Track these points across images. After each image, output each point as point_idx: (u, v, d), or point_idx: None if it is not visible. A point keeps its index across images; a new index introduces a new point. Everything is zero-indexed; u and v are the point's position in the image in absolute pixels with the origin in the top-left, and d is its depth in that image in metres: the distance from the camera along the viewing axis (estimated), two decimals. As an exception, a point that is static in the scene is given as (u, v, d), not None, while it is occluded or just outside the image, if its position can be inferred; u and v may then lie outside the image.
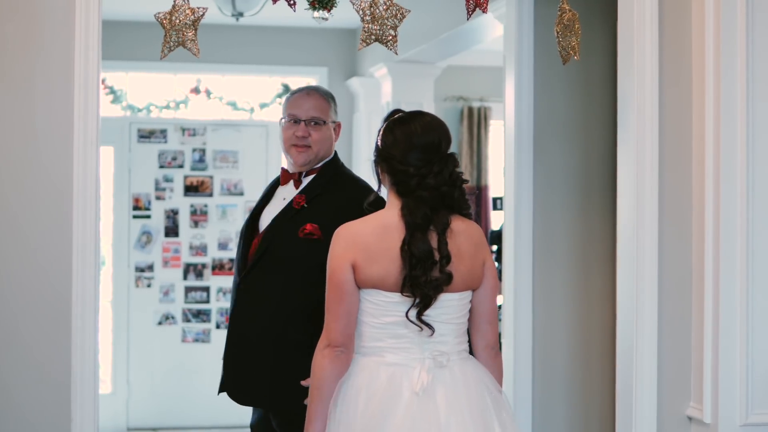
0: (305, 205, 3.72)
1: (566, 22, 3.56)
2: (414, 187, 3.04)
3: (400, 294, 3.01)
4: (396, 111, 3.22)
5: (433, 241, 3.02)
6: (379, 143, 3.14)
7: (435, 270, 3.00)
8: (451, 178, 3.07)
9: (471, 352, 3.19)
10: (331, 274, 3.04)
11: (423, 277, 2.98)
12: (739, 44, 3.43)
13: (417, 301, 3.00)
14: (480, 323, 3.16)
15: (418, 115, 3.16)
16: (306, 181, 3.85)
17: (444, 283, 3.02)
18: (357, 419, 2.98)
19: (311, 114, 3.80)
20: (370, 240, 3.03)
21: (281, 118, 3.89)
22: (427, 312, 3.02)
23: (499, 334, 5.68)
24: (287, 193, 3.85)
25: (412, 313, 3.02)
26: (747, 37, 3.43)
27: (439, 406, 2.98)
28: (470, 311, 3.16)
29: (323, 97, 3.86)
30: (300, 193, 3.80)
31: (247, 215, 8.45)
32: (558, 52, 3.64)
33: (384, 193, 3.21)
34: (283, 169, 3.92)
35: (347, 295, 3.02)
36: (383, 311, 3.04)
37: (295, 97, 3.86)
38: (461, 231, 3.08)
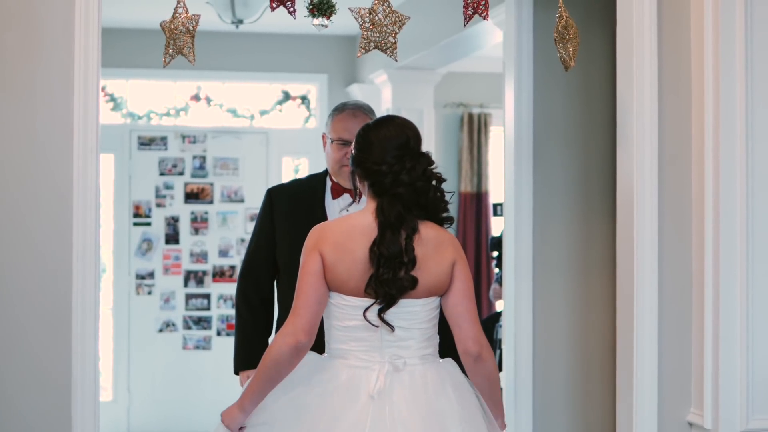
0: None
1: (561, 29, 3.57)
2: (389, 186, 3.11)
3: (360, 297, 3.07)
4: (366, 124, 3.29)
5: (402, 242, 3.07)
6: (353, 152, 3.22)
7: (401, 271, 3.05)
8: (425, 175, 3.13)
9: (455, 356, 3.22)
10: (303, 264, 3.10)
11: (387, 275, 3.03)
12: (738, 49, 3.43)
13: (379, 300, 3.05)
14: (453, 328, 3.16)
15: (387, 119, 3.26)
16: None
17: (409, 286, 3.06)
18: (310, 415, 3.02)
19: None
20: (338, 238, 3.09)
21: (327, 138, 3.94)
22: (388, 316, 3.06)
23: (500, 341, 5.69)
24: (346, 205, 3.89)
25: (372, 313, 3.06)
26: (746, 43, 3.43)
27: (395, 408, 3.02)
28: (445, 317, 3.18)
29: (368, 115, 3.93)
30: None
31: (248, 222, 8.44)
32: (558, 58, 3.64)
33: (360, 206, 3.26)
34: (334, 183, 3.95)
35: (318, 284, 3.07)
36: (345, 314, 3.10)
37: (341, 118, 3.93)
38: (431, 238, 3.12)
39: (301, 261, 3.12)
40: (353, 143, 3.24)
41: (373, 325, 3.07)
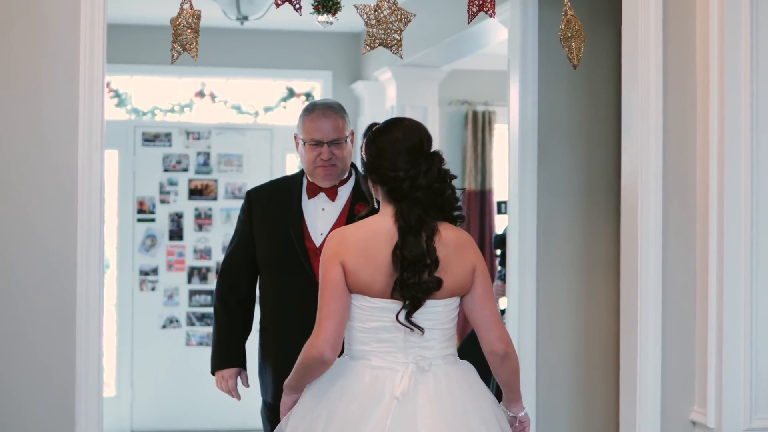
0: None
1: (563, 26, 3.56)
2: (407, 190, 3.09)
3: (385, 300, 3.07)
4: (373, 125, 3.27)
5: (423, 244, 3.06)
6: (364, 157, 3.20)
7: (425, 273, 3.05)
8: (440, 175, 3.12)
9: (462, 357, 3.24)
10: (324, 273, 3.09)
11: (413, 279, 3.03)
12: (744, 50, 3.43)
13: (406, 303, 3.05)
14: (479, 330, 3.19)
15: (396, 122, 3.22)
16: (344, 190, 3.94)
17: (434, 287, 3.06)
18: (336, 419, 3.04)
19: (332, 136, 3.89)
20: (359, 245, 3.08)
21: (299, 139, 3.95)
22: (413, 316, 3.06)
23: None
24: (324, 204, 3.94)
25: (402, 316, 3.06)
26: (751, 42, 3.43)
27: (419, 409, 3.02)
28: (469, 319, 3.19)
29: (338, 114, 3.93)
30: (355, 201, 3.91)
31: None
32: (564, 56, 3.64)
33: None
34: (310, 182, 3.96)
35: (340, 293, 3.07)
36: (369, 316, 3.09)
37: (312, 118, 3.92)
38: (451, 239, 3.12)
39: (321, 270, 3.11)
40: (362, 148, 3.22)
41: (407, 327, 3.07)
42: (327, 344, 3.04)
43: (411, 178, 3.09)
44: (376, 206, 3.23)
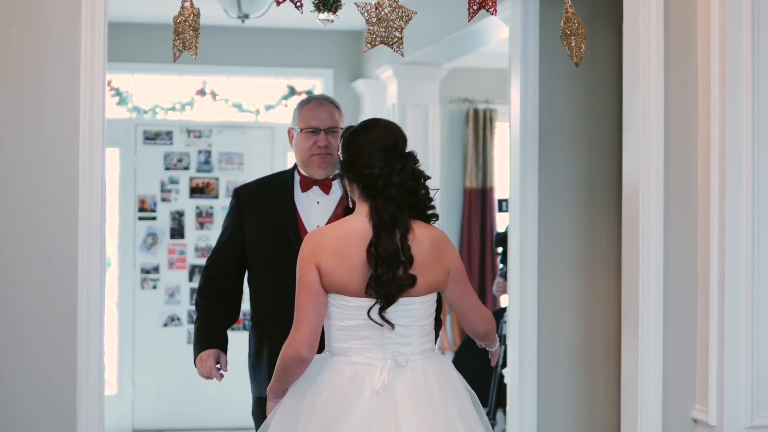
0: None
1: (563, 24, 3.56)
2: (381, 188, 3.16)
3: (362, 298, 3.13)
4: (350, 127, 3.33)
5: (397, 242, 3.13)
6: (341, 157, 3.26)
7: (399, 270, 3.11)
8: (414, 174, 3.20)
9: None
10: (300, 275, 3.16)
11: (387, 275, 3.10)
12: (745, 48, 3.43)
13: (379, 300, 3.12)
14: (461, 318, 3.34)
15: (373, 123, 3.30)
16: (338, 183, 3.92)
17: (408, 284, 3.13)
18: (317, 413, 3.10)
19: (329, 123, 3.93)
20: (335, 246, 3.14)
21: (296, 129, 3.97)
22: (389, 314, 3.13)
23: (505, 336, 5.70)
24: (318, 197, 3.95)
25: (374, 312, 3.12)
26: (752, 41, 3.43)
27: (399, 404, 3.10)
28: (451, 310, 3.33)
29: (333, 104, 4.00)
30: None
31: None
32: (565, 55, 3.64)
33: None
34: (303, 176, 3.97)
35: (316, 295, 3.14)
36: (346, 315, 3.16)
37: (309, 107, 3.98)
38: (425, 238, 3.19)
39: (297, 271, 3.17)
40: (339, 148, 3.28)
41: (377, 323, 3.13)
42: (304, 343, 3.11)
43: (385, 176, 3.16)
44: (351, 206, 3.28)
